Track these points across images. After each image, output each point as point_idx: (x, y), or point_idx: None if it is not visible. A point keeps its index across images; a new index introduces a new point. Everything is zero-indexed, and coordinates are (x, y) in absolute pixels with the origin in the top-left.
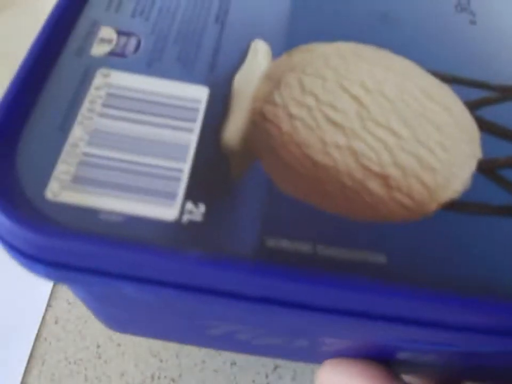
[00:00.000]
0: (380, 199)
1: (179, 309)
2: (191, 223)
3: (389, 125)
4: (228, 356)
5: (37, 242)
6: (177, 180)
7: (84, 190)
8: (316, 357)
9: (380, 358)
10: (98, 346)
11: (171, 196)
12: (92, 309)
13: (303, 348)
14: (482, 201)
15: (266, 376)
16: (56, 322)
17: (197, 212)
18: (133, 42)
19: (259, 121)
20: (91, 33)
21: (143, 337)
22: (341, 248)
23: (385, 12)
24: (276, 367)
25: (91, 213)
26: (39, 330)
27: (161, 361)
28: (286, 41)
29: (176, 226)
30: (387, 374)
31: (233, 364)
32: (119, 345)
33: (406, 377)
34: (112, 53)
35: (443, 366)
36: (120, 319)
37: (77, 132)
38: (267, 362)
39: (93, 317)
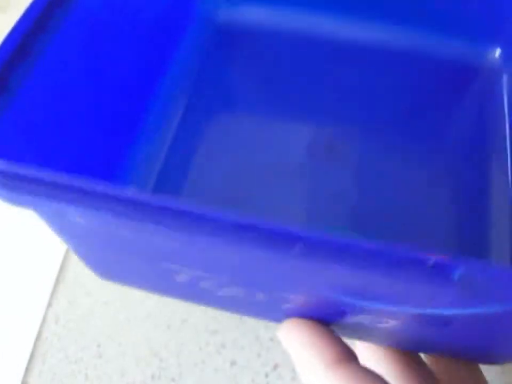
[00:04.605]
0: None
1: (132, 236)
2: None
3: None
4: (228, 355)
5: None
6: None
7: None
8: (277, 315)
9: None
10: (98, 346)
11: None
12: (77, 252)
13: (264, 303)
14: None
15: (266, 376)
16: (56, 322)
17: None
18: None
19: None
20: None
21: (126, 285)
22: None
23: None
24: (275, 367)
25: None
26: (39, 330)
27: (161, 360)
28: None
29: None
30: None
31: (233, 363)
32: (119, 344)
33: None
34: None
35: (396, 334)
36: (100, 261)
37: None
38: (267, 362)
39: (93, 316)
